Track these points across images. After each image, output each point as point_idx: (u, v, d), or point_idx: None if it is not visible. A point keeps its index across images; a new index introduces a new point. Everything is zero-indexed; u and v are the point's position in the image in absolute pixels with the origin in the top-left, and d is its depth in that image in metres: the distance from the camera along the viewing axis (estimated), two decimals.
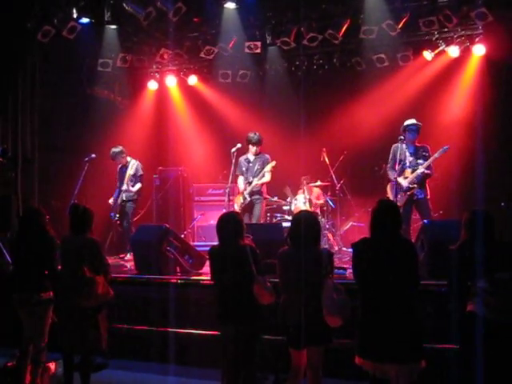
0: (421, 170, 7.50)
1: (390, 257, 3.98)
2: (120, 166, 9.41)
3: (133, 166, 9.23)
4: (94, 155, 8.86)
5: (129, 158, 9.35)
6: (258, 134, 8.57)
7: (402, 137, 7.74)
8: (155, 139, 11.03)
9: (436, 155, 7.47)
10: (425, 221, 6.87)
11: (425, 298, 5.43)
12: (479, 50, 9.51)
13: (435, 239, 5.98)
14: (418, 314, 4.06)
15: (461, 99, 9.71)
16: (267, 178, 8.47)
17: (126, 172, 9.22)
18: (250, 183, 8.44)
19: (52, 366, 5.75)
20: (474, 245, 4.13)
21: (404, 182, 7.58)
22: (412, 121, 7.78)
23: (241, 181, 8.62)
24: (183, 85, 11.67)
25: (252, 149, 8.54)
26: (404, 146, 7.69)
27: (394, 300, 3.91)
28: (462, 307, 4.02)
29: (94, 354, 5.52)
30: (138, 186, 9.26)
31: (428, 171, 7.55)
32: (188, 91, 11.69)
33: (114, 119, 10.78)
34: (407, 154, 7.69)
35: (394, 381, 3.92)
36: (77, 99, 10.82)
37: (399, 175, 7.64)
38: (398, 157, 7.61)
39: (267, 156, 8.57)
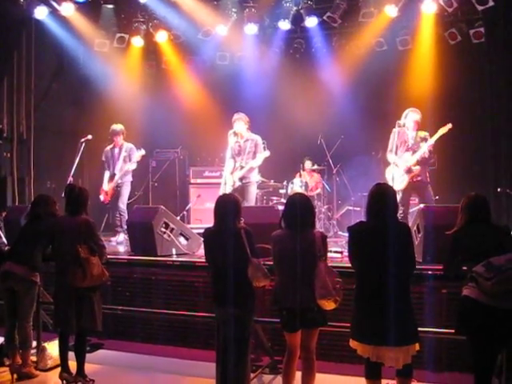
0: (429, 142, 7.42)
1: (386, 241, 3.98)
2: (110, 147, 9.13)
3: (127, 147, 8.98)
4: (90, 136, 8.79)
5: (122, 141, 9.06)
6: (243, 114, 8.18)
7: (400, 121, 7.71)
8: (152, 121, 10.96)
9: (440, 132, 7.38)
10: (421, 205, 6.86)
11: (421, 282, 5.43)
12: (478, 35, 9.44)
13: (432, 224, 5.96)
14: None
15: (458, 83, 9.66)
16: (259, 161, 8.10)
17: (119, 154, 8.98)
18: (242, 167, 8.08)
19: (47, 346, 5.77)
20: (470, 229, 4.13)
21: (404, 164, 7.53)
22: (413, 113, 7.65)
23: (230, 164, 8.17)
24: (181, 66, 11.57)
25: (241, 128, 8.11)
26: (404, 129, 7.65)
27: (390, 284, 3.91)
28: (458, 291, 4.03)
29: (89, 335, 5.54)
30: (133, 165, 8.99)
31: (429, 152, 7.48)
32: (186, 73, 11.59)
33: (110, 101, 10.69)
34: (407, 138, 7.65)
35: (389, 364, 3.95)
36: (73, 79, 10.75)
37: (399, 158, 7.61)
38: (397, 140, 7.60)
39: (257, 136, 8.17)
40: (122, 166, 8.93)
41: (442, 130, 7.39)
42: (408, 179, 7.52)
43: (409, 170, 7.52)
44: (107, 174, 9.10)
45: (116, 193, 9.03)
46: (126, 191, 9.06)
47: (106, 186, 9.02)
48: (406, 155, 7.56)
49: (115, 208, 9.05)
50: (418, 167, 7.49)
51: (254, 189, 8.36)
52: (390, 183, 7.42)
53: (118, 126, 9.06)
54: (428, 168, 7.68)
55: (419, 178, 7.54)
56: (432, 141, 7.44)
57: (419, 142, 7.59)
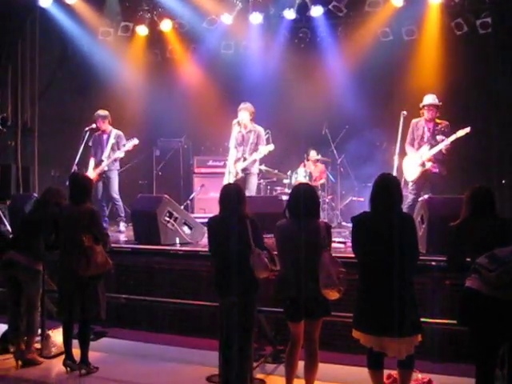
0: (445, 142, 7.36)
1: (389, 231, 3.98)
2: (97, 133, 8.90)
3: (115, 134, 8.79)
4: (94, 125, 8.78)
5: (110, 127, 8.89)
6: (249, 103, 8.16)
7: (405, 112, 7.67)
8: (156, 110, 10.94)
9: (458, 134, 7.31)
10: (425, 196, 6.87)
11: (424, 273, 5.43)
12: (485, 26, 9.36)
13: (435, 215, 5.96)
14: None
15: (464, 74, 9.60)
16: (262, 154, 8.05)
17: (107, 140, 8.79)
18: (244, 159, 8.07)
19: (51, 333, 5.80)
20: (474, 221, 4.12)
21: (422, 157, 7.49)
22: (431, 100, 7.58)
23: (233, 153, 8.17)
24: (185, 55, 11.53)
25: (244, 117, 8.07)
26: (423, 121, 7.60)
27: (393, 274, 3.92)
28: (461, 283, 4.03)
29: (93, 323, 5.57)
30: (122, 153, 8.78)
31: (446, 150, 7.41)
32: (190, 61, 11.55)
33: (115, 89, 10.68)
34: (425, 130, 7.57)
35: (392, 354, 3.96)
36: (77, 68, 10.73)
37: (417, 151, 7.58)
38: (415, 133, 7.57)
39: (260, 128, 8.17)
40: (110, 154, 8.73)
41: (460, 133, 7.32)
42: (420, 171, 7.48)
43: (422, 164, 7.49)
44: (92, 161, 8.88)
45: (104, 182, 8.84)
46: (114, 180, 8.87)
47: (92, 172, 8.71)
48: (424, 149, 7.51)
49: (109, 199, 8.95)
50: (430, 163, 7.45)
51: (255, 179, 8.39)
52: (405, 174, 7.44)
53: (101, 112, 8.87)
54: (447, 161, 7.61)
55: (436, 171, 7.51)
56: (448, 142, 7.36)
57: (436, 134, 7.52)
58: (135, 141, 8.75)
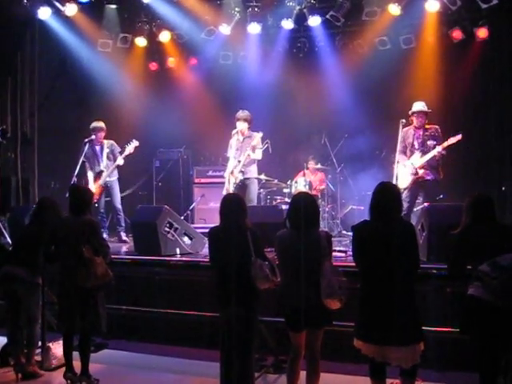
0: (437, 149, 7.34)
1: (390, 239, 3.97)
2: (90, 145, 8.82)
3: (108, 144, 8.86)
4: (93, 136, 8.79)
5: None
6: (247, 111, 8.34)
7: (404, 120, 7.70)
8: (155, 121, 10.96)
9: (450, 141, 7.32)
10: (425, 204, 6.85)
11: (425, 281, 5.41)
12: (482, 34, 9.40)
13: (436, 223, 5.96)
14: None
15: (462, 82, 9.63)
16: (258, 154, 8.21)
17: (101, 151, 8.85)
18: (239, 161, 8.17)
19: (52, 346, 5.78)
20: (475, 229, 4.11)
21: (414, 164, 7.49)
22: (420, 107, 7.62)
23: (231, 162, 8.33)
24: (184, 65, 11.57)
25: (243, 127, 8.26)
26: (412, 129, 7.62)
27: (394, 283, 3.91)
28: (463, 291, 4.02)
29: (94, 335, 5.54)
30: (122, 160, 8.77)
31: (441, 153, 7.41)
32: (189, 72, 11.59)
33: (114, 100, 10.71)
34: (415, 137, 7.59)
35: (395, 363, 3.93)
36: (76, 79, 10.76)
37: (409, 158, 7.58)
38: (406, 141, 7.59)
39: (257, 134, 8.26)
40: (108, 164, 8.81)
41: (452, 140, 7.34)
42: (413, 179, 7.49)
43: (415, 172, 7.49)
44: (91, 174, 8.88)
45: (107, 193, 8.90)
46: (117, 190, 8.96)
47: (93, 186, 8.72)
48: (415, 156, 7.52)
49: (112, 209, 9.00)
50: (423, 170, 7.46)
51: (255, 187, 8.43)
52: (398, 182, 7.44)
53: (101, 123, 8.93)
54: (440, 165, 7.60)
55: (429, 178, 7.51)
56: (440, 148, 7.37)
57: (427, 140, 7.54)
58: (135, 143, 8.78)
